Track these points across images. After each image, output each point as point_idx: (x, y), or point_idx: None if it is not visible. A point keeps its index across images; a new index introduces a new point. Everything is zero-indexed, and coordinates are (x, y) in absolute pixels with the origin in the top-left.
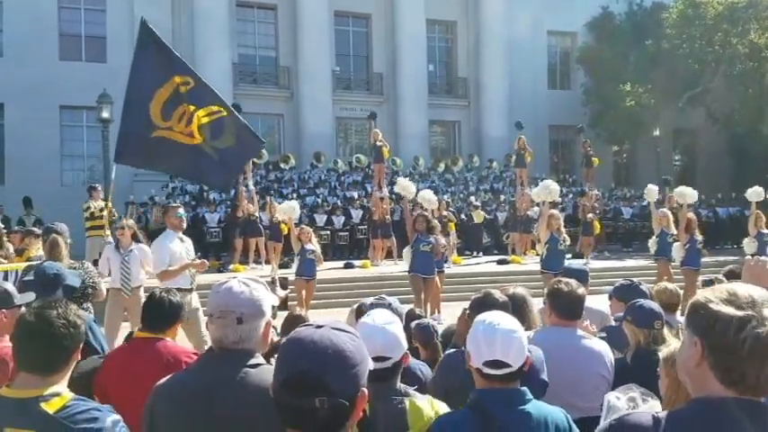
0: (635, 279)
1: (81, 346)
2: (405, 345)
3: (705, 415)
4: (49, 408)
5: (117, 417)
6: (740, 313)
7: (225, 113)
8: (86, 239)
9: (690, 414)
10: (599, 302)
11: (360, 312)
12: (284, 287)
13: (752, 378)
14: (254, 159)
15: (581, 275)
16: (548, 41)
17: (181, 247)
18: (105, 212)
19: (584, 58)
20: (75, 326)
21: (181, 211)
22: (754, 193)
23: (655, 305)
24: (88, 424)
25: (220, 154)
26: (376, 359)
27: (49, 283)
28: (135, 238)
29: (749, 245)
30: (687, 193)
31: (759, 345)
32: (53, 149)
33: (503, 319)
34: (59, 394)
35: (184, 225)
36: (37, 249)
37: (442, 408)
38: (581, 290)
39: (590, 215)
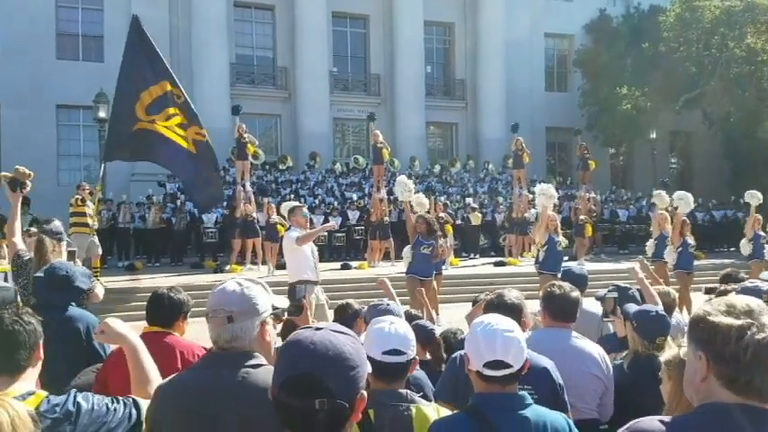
0: (620, 283)
1: (40, 344)
2: (415, 344)
3: (709, 421)
4: (29, 406)
5: (82, 392)
6: (739, 322)
7: (206, 138)
8: (70, 236)
9: (695, 420)
10: (595, 305)
11: (343, 311)
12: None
13: (757, 384)
14: (252, 160)
15: (579, 280)
16: (545, 44)
17: None
18: (88, 210)
19: (581, 60)
20: (29, 323)
21: (306, 210)
22: (752, 196)
23: (664, 319)
24: (68, 410)
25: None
26: (391, 352)
27: (57, 282)
28: None
29: (745, 247)
30: (686, 200)
31: (761, 351)
32: (50, 149)
33: (501, 320)
34: (34, 392)
35: (308, 224)
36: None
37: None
38: (575, 293)
39: (582, 217)
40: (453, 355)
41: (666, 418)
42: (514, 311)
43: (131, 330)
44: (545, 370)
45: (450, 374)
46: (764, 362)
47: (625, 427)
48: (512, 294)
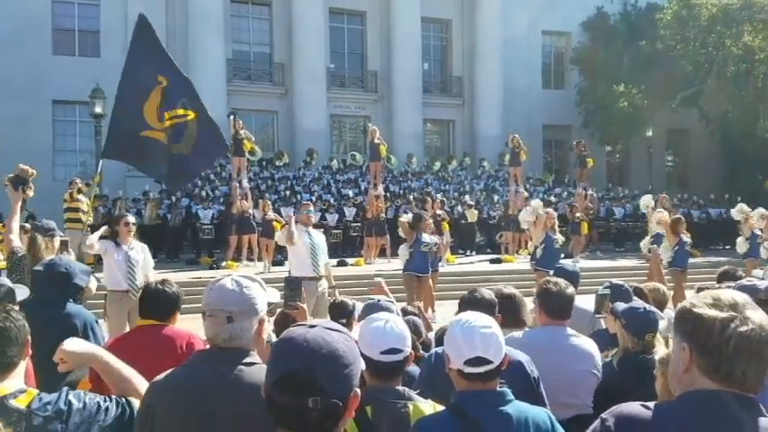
0: (614, 280)
1: (29, 339)
2: (410, 340)
3: (693, 406)
4: (21, 403)
5: (75, 390)
6: (723, 314)
7: (190, 117)
8: (65, 231)
9: (679, 405)
10: (589, 302)
11: (337, 309)
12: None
13: (738, 374)
14: (249, 157)
15: (572, 277)
16: (542, 41)
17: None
18: (82, 205)
19: (578, 58)
20: (17, 319)
21: (311, 209)
22: (739, 211)
23: (652, 315)
24: (59, 408)
25: (174, 158)
26: (389, 351)
27: (55, 278)
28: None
29: (741, 245)
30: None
31: (743, 343)
32: (45, 144)
33: (478, 317)
34: (25, 390)
35: (312, 221)
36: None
37: None
38: (570, 290)
39: (578, 215)
40: (428, 354)
41: (650, 404)
42: (489, 307)
43: (90, 345)
44: (519, 363)
45: (425, 373)
46: (746, 353)
47: (608, 411)
48: (487, 291)
